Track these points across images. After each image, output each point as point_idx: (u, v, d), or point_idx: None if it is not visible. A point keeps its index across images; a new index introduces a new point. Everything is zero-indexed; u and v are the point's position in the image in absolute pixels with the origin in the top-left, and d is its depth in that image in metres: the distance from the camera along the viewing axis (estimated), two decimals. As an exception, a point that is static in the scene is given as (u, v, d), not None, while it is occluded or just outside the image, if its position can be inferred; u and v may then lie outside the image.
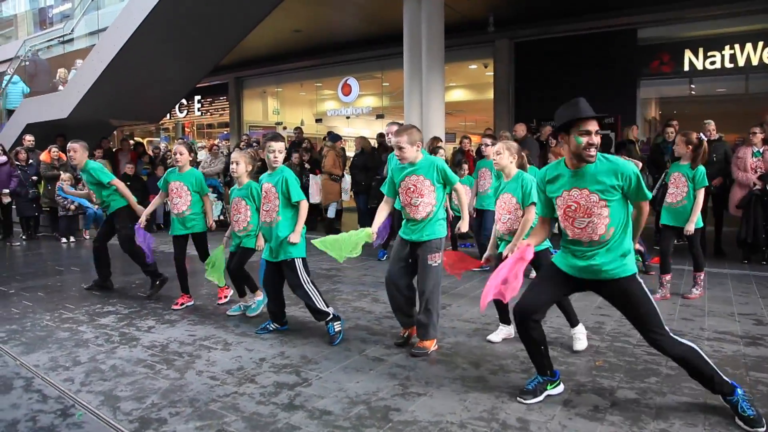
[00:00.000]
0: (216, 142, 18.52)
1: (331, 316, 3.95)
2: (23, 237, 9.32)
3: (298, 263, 3.93)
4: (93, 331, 4.30)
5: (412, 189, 3.71)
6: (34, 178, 9.24)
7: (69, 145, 5.43)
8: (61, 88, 10.79)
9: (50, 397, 3.12)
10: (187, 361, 3.64)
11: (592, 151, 2.63)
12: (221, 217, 10.06)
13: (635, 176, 2.65)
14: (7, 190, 8.51)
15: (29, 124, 10.33)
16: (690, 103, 11.08)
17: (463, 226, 3.95)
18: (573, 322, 3.83)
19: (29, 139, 9.67)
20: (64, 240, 8.98)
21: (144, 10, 8.37)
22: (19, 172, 8.84)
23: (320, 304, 3.92)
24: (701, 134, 5.11)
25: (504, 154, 3.86)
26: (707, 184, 4.87)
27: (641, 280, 2.76)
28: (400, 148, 3.65)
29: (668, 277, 5.06)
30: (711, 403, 2.91)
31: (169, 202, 5.05)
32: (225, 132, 18.40)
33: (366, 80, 14.79)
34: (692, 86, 10.29)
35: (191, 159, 5.00)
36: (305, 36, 12.65)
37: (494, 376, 3.36)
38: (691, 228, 4.79)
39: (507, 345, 3.90)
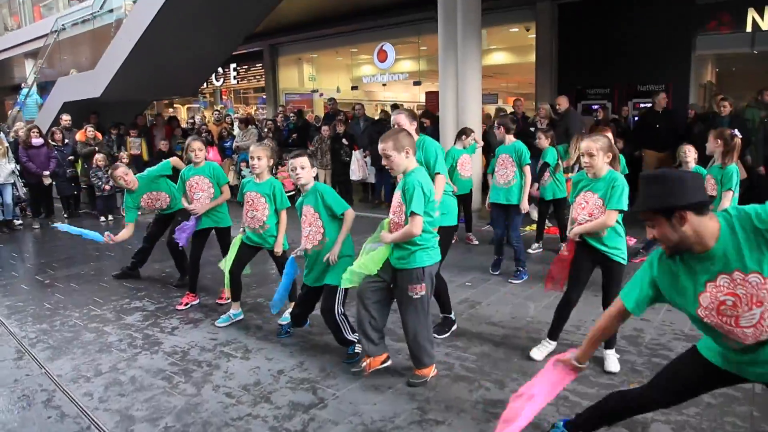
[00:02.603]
0: (252, 110, 18.48)
1: (356, 342, 3.74)
2: (65, 215, 9.54)
3: (340, 291, 3.64)
4: (117, 333, 4.32)
5: (396, 206, 3.31)
6: (71, 158, 9.38)
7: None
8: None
9: (68, 415, 3.13)
10: (205, 373, 3.60)
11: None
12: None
13: None
14: (47, 172, 8.66)
15: (65, 103, 10.44)
16: (751, 64, 10.20)
17: None
18: (609, 344, 3.58)
19: (66, 118, 9.78)
20: (102, 219, 9.14)
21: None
22: (56, 152, 8.96)
23: (348, 335, 3.70)
24: (735, 131, 4.62)
25: (598, 156, 3.40)
26: (731, 187, 4.35)
27: None
28: (387, 157, 3.17)
29: None
30: (756, 446, 2.66)
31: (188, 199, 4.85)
32: (262, 96, 18.31)
33: (402, 45, 14.30)
34: (754, 50, 9.42)
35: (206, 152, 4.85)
36: (339, 1, 12.24)
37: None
38: None
39: (534, 361, 3.69)
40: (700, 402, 3.09)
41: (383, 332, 3.45)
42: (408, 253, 3.20)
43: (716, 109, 7.53)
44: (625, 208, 3.38)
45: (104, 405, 3.22)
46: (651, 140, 8.30)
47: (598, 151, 3.40)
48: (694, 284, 1.97)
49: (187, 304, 4.91)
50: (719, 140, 4.61)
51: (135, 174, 5.43)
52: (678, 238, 1.91)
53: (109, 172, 5.52)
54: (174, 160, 5.67)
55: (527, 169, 5.47)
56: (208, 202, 4.79)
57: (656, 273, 2.08)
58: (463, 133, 6.62)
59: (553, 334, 3.74)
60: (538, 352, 3.73)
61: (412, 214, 3.09)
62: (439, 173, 3.98)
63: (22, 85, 13.60)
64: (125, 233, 5.09)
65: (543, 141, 6.21)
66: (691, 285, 1.99)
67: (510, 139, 5.61)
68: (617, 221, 3.42)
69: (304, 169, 3.64)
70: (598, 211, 3.42)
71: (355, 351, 3.74)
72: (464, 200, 6.66)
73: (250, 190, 4.33)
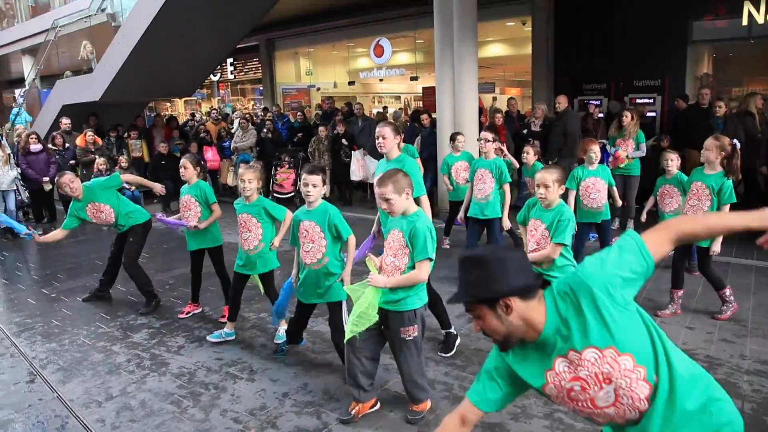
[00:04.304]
0: (250, 106, 18.36)
1: None
2: (67, 219, 9.62)
3: (344, 304, 3.78)
4: (125, 353, 4.43)
5: (390, 244, 3.20)
6: (72, 162, 9.44)
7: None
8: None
9: (82, 444, 3.26)
10: (212, 396, 3.72)
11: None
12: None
13: None
14: (47, 178, 8.72)
15: (65, 105, 10.47)
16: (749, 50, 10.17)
17: None
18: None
19: (65, 122, 9.83)
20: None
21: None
22: (57, 157, 9.02)
23: None
24: (735, 140, 4.56)
25: (553, 188, 3.54)
26: (735, 200, 4.31)
27: None
28: (387, 200, 3.04)
29: (680, 292, 4.64)
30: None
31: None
32: (260, 88, 18.29)
33: (399, 38, 14.28)
34: (752, 41, 9.41)
35: (197, 172, 4.90)
36: (335, -5, 12.23)
37: (515, 423, 3.30)
38: (716, 248, 4.31)
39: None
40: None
41: (374, 378, 3.43)
42: (401, 298, 3.14)
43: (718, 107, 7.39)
44: (567, 243, 3.54)
45: (116, 432, 3.35)
46: (692, 139, 7.55)
47: (553, 183, 3.56)
48: (536, 375, 1.74)
49: (188, 312, 5.06)
50: (722, 152, 4.36)
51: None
52: (506, 329, 1.67)
53: (56, 179, 5.40)
54: (127, 177, 5.87)
55: (507, 188, 5.55)
56: (196, 222, 4.84)
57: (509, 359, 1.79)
58: (453, 138, 6.68)
59: None
60: None
61: (422, 260, 3.05)
62: (419, 196, 3.91)
63: (14, 99, 13.75)
64: (55, 235, 5.16)
65: (530, 156, 6.07)
66: (535, 375, 1.74)
67: (491, 154, 5.66)
68: (562, 254, 3.59)
69: (315, 188, 3.60)
70: (544, 241, 3.63)
71: None
72: (456, 206, 6.68)
73: (244, 212, 4.38)
